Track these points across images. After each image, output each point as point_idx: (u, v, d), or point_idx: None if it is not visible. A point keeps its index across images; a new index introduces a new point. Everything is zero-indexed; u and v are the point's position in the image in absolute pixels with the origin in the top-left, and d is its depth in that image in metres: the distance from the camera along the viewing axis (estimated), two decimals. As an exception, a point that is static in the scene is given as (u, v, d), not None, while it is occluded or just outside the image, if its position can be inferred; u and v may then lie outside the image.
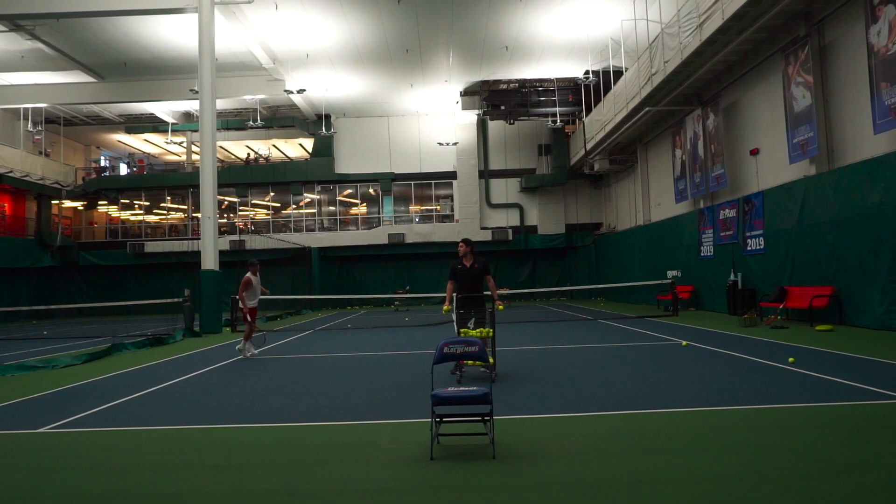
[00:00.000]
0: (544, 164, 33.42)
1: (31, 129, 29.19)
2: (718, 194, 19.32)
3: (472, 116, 31.85)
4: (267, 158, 38.66)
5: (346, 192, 34.35)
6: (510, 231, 32.68)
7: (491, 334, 7.75)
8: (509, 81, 29.55)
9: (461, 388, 4.82)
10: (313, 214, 33.99)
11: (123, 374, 9.75)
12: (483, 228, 32.63)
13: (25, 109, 29.18)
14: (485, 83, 29.47)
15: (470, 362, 7.80)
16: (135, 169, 36.65)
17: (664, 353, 9.89)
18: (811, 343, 10.20)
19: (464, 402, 4.61)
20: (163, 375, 9.44)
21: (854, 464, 4.11)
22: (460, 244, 8.50)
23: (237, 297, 12.46)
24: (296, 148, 38.14)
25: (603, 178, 32.22)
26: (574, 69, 27.55)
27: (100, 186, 33.68)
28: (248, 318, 11.60)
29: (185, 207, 34.45)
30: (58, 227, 32.24)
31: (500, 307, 8.25)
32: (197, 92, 19.59)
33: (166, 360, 11.59)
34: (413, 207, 34.20)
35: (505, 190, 33.48)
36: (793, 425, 5.16)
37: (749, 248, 16.75)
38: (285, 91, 25.92)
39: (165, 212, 34.83)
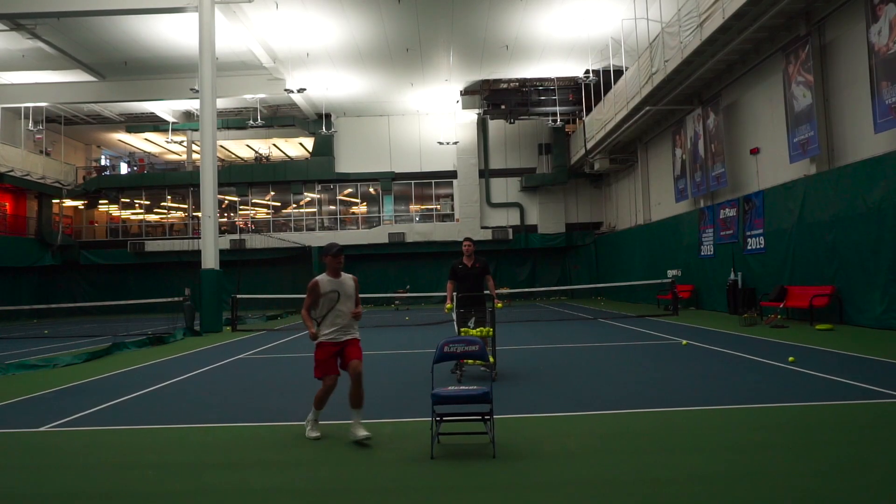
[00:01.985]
0: (544, 164, 33.39)
1: (32, 129, 29.20)
2: (719, 193, 19.31)
3: (472, 116, 31.81)
4: (267, 157, 38.68)
5: (346, 192, 34.34)
6: (510, 230, 32.64)
7: (491, 333, 7.75)
8: (510, 81, 29.51)
9: (461, 388, 4.82)
10: (314, 214, 33.98)
11: (124, 373, 9.76)
12: (483, 228, 32.60)
13: (26, 108, 29.17)
14: (485, 82, 29.43)
15: (470, 361, 7.79)
16: (135, 168, 36.63)
17: (664, 353, 9.89)
18: (811, 342, 10.20)
19: (464, 402, 4.62)
20: (163, 374, 9.45)
21: (854, 463, 4.12)
22: (467, 243, 8.41)
23: (236, 296, 11.90)
24: (296, 147, 38.13)
25: (603, 177, 32.20)
26: (574, 68, 27.53)
27: (100, 185, 33.69)
28: (317, 366, 5.47)
29: (186, 206, 34.44)
30: (58, 226, 32.23)
31: (499, 305, 8.26)
32: (197, 91, 19.60)
33: (167, 359, 11.60)
34: (413, 207, 34.18)
35: (505, 189, 33.46)
36: (793, 424, 5.16)
37: (749, 248, 16.74)
38: (285, 90, 25.93)
39: (166, 211, 34.83)
